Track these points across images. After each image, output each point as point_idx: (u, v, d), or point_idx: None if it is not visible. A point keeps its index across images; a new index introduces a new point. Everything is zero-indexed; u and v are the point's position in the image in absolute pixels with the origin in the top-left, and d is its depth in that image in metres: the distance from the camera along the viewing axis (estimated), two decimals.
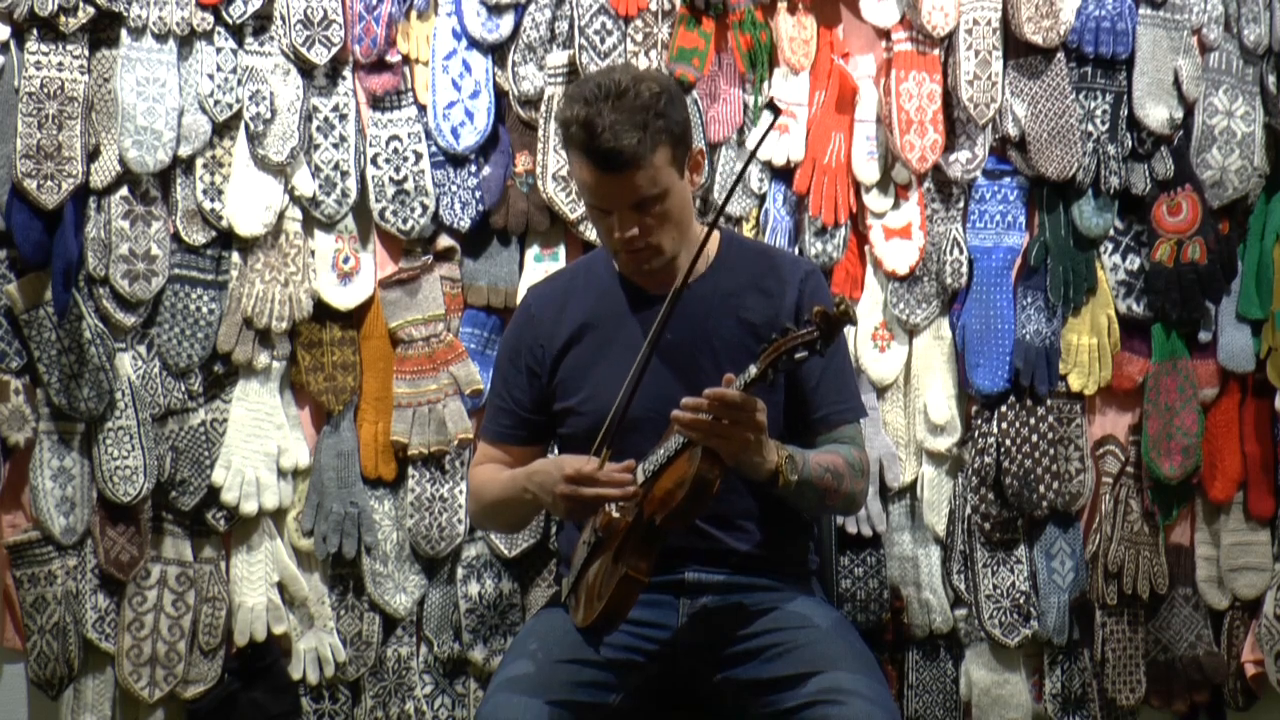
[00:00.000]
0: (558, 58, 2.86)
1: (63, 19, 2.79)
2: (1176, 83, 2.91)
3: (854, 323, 1.89)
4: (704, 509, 1.97)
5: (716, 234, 2.24)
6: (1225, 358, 2.93)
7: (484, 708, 2.03)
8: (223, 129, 2.86)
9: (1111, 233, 2.93)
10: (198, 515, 2.88)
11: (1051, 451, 2.90)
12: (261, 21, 2.85)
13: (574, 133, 2.04)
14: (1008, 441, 2.89)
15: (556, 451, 2.38)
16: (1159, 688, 2.93)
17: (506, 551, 2.86)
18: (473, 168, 2.89)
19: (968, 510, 2.90)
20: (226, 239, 2.87)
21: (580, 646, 2.10)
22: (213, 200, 2.84)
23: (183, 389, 2.87)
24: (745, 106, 2.90)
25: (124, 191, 2.83)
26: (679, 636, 2.13)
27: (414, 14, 2.89)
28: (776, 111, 2.14)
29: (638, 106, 2.02)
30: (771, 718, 2.01)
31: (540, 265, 2.88)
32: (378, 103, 2.88)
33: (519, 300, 2.66)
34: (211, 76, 2.84)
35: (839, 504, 2.13)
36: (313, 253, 2.88)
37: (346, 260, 2.89)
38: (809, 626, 2.08)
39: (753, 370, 1.90)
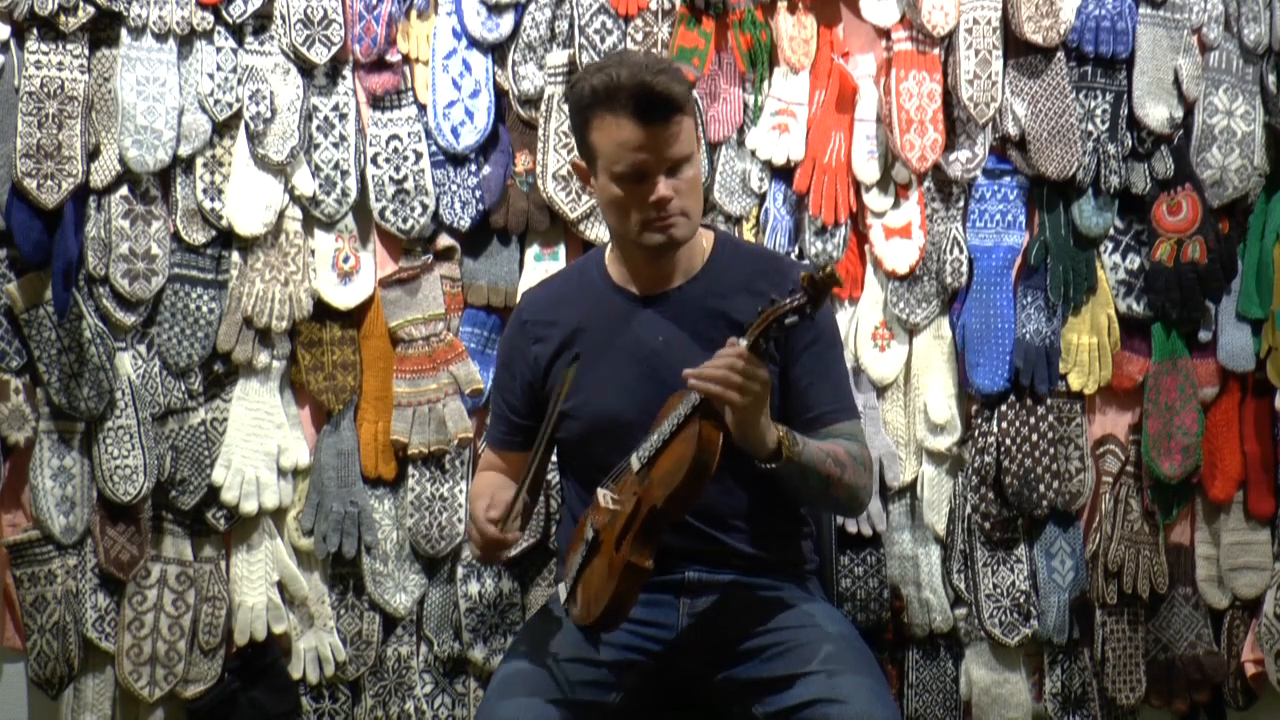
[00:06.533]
0: (558, 57, 2.86)
1: (63, 18, 2.79)
2: (1176, 82, 2.91)
3: (839, 284, 1.91)
4: (702, 489, 1.96)
5: (711, 234, 2.24)
6: (1225, 357, 2.93)
7: (484, 707, 2.03)
8: (223, 128, 2.86)
9: (1111, 232, 2.93)
10: (198, 515, 2.88)
11: (1051, 451, 2.90)
12: (261, 21, 2.85)
13: (621, 84, 2.03)
14: (1008, 441, 2.89)
15: (556, 457, 2.38)
16: (1159, 687, 2.93)
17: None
18: (473, 167, 2.89)
19: (968, 510, 2.90)
20: (226, 238, 2.87)
21: (581, 645, 2.10)
22: (213, 200, 2.84)
23: (183, 388, 2.87)
24: (745, 106, 2.90)
25: (124, 191, 2.84)
26: (680, 636, 2.13)
27: (414, 13, 2.89)
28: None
29: (667, 69, 2.07)
30: (771, 717, 2.01)
31: (540, 265, 2.88)
32: (378, 102, 2.89)
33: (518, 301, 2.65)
34: (211, 76, 2.84)
35: (843, 496, 2.10)
36: (313, 252, 2.88)
37: (346, 260, 2.89)
38: (809, 626, 2.08)
39: (743, 343, 1.91)
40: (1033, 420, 2.90)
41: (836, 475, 2.05)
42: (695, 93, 2.84)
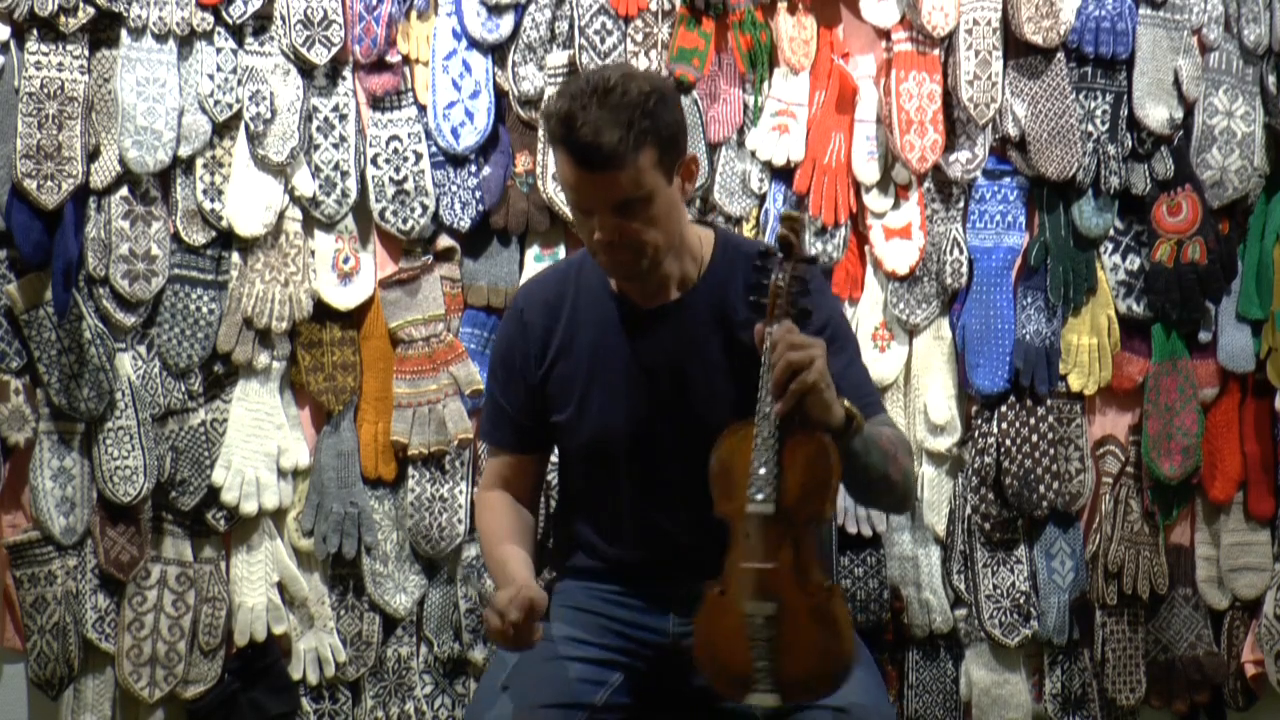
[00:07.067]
0: (558, 58, 2.86)
1: (63, 19, 2.78)
2: (1176, 83, 2.91)
3: (797, 217, 1.86)
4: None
5: (712, 235, 2.15)
6: (1225, 358, 2.93)
7: (471, 709, 2.01)
8: (223, 129, 2.85)
9: (1111, 233, 2.94)
10: (198, 515, 2.88)
11: (1051, 451, 2.90)
12: (261, 21, 2.85)
13: (554, 127, 1.93)
14: (1008, 441, 2.89)
15: (556, 456, 2.34)
16: (1159, 688, 2.93)
17: None
18: (473, 168, 2.89)
19: (968, 510, 2.90)
20: (226, 239, 2.86)
21: (569, 646, 2.08)
22: (213, 200, 2.84)
23: (183, 389, 2.87)
24: (745, 106, 2.90)
25: (124, 191, 2.83)
26: (672, 643, 2.09)
27: (414, 14, 2.89)
28: None
29: (624, 104, 1.91)
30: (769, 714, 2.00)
31: (540, 265, 2.88)
32: (378, 103, 2.88)
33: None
34: (211, 76, 2.84)
35: (899, 477, 1.99)
36: (313, 253, 2.88)
37: (346, 260, 2.89)
38: None
39: (780, 325, 1.85)
40: (1033, 421, 2.90)
41: (892, 453, 1.97)
42: (695, 93, 2.85)
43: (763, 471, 1.84)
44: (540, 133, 2.85)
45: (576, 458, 2.16)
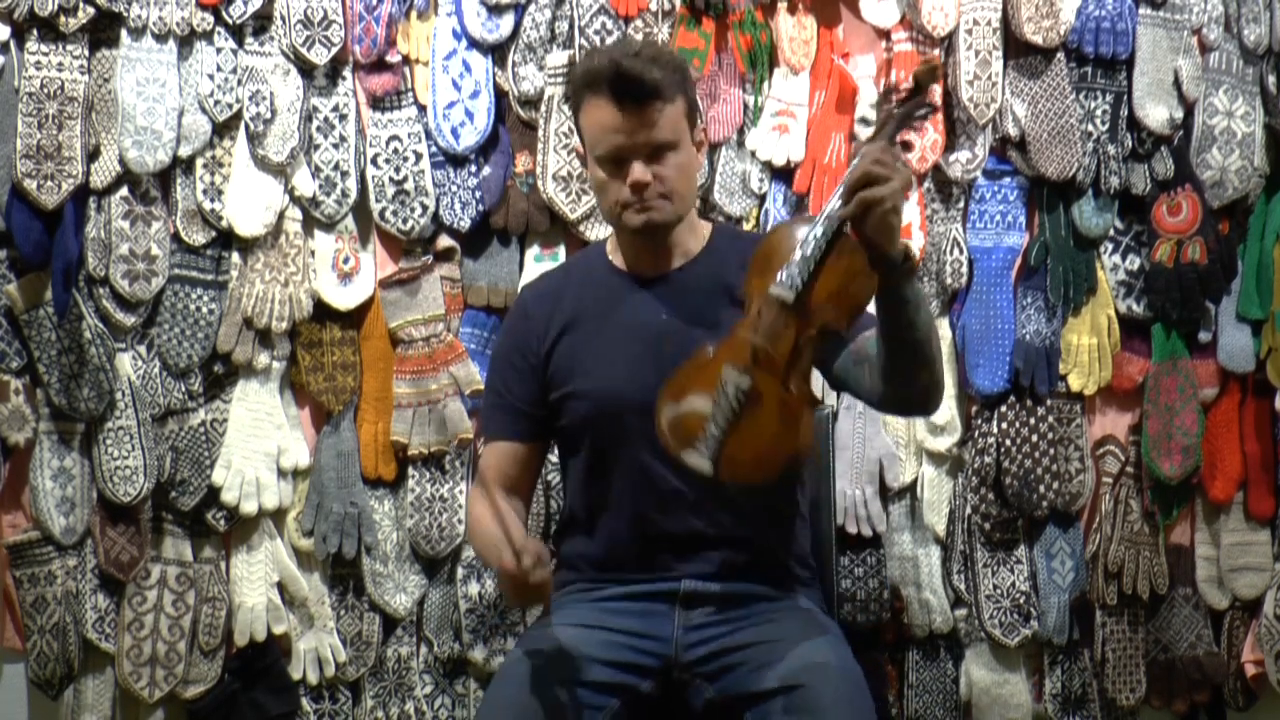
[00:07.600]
0: (558, 58, 2.86)
1: (63, 19, 2.79)
2: (1176, 83, 2.91)
3: (937, 72, 1.85)
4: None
5: (708, 225, 2.24)
6: (1225, 358, 2.93)
7: None
8: (223, 129, 2.86)
9: (1111, 233, 2.94)
10: (198, 515, 2.88)
11: (1051, 451, 2.90)
12: (261, 22, 2.86)
13: (595, 75, 2.05)
14: (1008, 441, 2.89)
15: (556, 452, 2.36)
16: (1159, 688, 2.93)
17: None
18: (473, 168, 2.89)
19: (968, 510, 2.90)
20: (226, 239, 2.87)
21: (572, 667, 2.04)
22: (213, 200, 2.84)
23: (183, 389, 2.87)
24: (745, 106, 2.90)
25: (124, 191, 2.84)
26: (676, 650, 2.08)
27: (414, 14, 2.89)
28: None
29: (660, 56, 2.07)
30: None
31: (540, 265, 2.88)
32: (378, 103, 2.89)
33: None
34: (211, 76, 2.84)
35: (936, 355, 1.94)
36: (313, 253, 2.88)
37: (346, 260, 2.89)
38: (801, 641, 2.04)
39: (877, 144, 1.85)
40: (1033, 421, 2.90)
41: (936, 327, 1.97)
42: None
43: (799, 261, 1.86)
44: (542, 133, 2.85)
45: (585, 426, 2.16)
